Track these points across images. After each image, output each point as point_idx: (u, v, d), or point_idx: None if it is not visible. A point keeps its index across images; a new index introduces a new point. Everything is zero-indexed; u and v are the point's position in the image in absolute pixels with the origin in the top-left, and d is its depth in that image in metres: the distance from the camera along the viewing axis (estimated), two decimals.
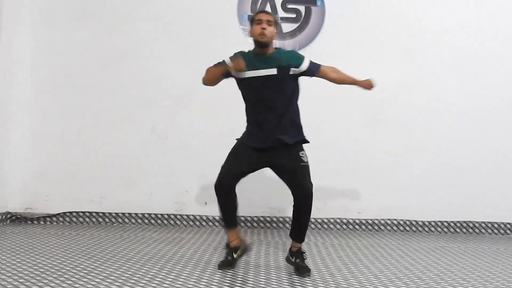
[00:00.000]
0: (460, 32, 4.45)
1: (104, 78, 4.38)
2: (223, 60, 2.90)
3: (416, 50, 4.45)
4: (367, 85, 2.94)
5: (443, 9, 4.47)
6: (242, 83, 2.87)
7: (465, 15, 4.47)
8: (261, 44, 2.82)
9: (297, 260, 2.88)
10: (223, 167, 2.87)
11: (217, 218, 4.39)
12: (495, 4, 4.47)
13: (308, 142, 2.94)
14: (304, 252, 2.94)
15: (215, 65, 2.93)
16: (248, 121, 2.95)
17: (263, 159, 2.86)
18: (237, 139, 2.97)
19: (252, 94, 2.85)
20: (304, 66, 2.87)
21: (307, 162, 2.85)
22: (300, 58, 2.89)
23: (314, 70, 2.90)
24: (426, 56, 4.46)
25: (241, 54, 2.87)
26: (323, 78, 2.94)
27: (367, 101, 4.44)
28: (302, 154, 2.84)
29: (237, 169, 2.84)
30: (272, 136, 2.81)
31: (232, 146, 2.97)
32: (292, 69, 2.83)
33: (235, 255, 2.93)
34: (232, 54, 2.91)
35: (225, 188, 2.82)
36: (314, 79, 4.48)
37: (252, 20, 2.87)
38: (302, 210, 2.80)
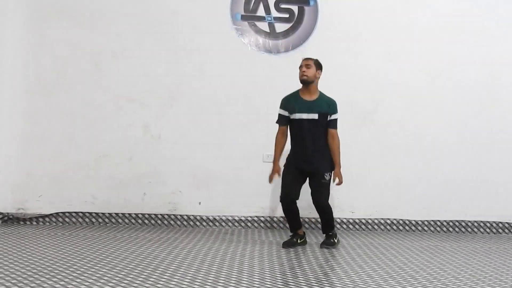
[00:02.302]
0: (452, 34, 4.48)
1: (95, 78, 4.36)
2: (279, 115, 3.71)
3: (408, 52, 4.48)
4: (337, 177, 3.69)
5: (436, 11, 4.49)
6: (292, 121, 3.67)
7: (456, 17, 4.50)
8: (303, 82, 3.62)
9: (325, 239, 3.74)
10: (282, 187, 3.68)
11: (210, 218, 4.39)
12: (484, 10, 4.50)
13: (333, 170, 3.69)
14: (331, 235, 3.71)
15: (279, 122, 3.74)
16: (292, 147, 3.73)
17: (304, 174, 3.68)
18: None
19: (298, 130, 3.64)
20: (333, 117, 3.66)
21: (328, 180, 3.65)
22: (335, 110, 3.67)
23: (332, 125, 3.67)
24: (418, 57, 4.48)
25: (288, 99, 3.68)
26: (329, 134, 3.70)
27: (360, 102, 4.47)
28: (326, 175, 3.64)
29: (291, 187, 3.65)
30: (307, 163, 3.63)
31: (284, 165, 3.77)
32: (328, 115, 3.63)
33: (299, 240, 3.68)
34: (281, 101, 3.70)
35: (286, 204, 3.63)
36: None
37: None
38: (320, 214, 3.71)
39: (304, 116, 3.59)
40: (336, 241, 3.70)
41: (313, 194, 3.66)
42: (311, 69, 3.59)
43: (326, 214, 3.66)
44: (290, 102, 3.65)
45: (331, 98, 3.68)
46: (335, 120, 3.67)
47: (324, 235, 3.75)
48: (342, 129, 4.44)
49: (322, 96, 3.68)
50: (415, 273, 2.98)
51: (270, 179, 3.73)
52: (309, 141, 3.61)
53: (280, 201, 3.65)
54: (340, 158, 3.67)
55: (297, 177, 3.65)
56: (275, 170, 3.69)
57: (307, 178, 3.69)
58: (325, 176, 3.63)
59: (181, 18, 4.39)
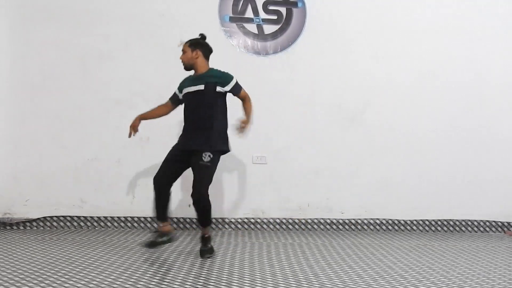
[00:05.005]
0: (440, 34, 4.52)
1: (82, 79, 4.32)
2: (174, 92, 3.56)
3: (397, 52, 4.51)
4: (243, 123, 3.34)
5: (425, 12, 4.53)
6: (183, 101, 3.47)
7: (444, 18, 4.54)
8: (184, 68, 3.46)
9: (200, 245, 3.36)
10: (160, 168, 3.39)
11: None
12: (470, 10, 4.56)
13: (218, 151, 3.32)
14: (207, 237, 3.34)
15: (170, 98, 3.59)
16: (183, 128, 3.47)
17: (185, 159, 3.32)
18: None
19: (185, 105, 3.43)
20: (230, 86, 3.37)
21: (207, 162, 3.22)
22: (228, 78, 3.38)
23: (235, 92, 3.40)
24: (407, 57, 4.51)
25: (185, 79, 3.50)
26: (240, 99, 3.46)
27: (348, 103, 4.50)
28: (205, 155, 3.23)
29: (167, 169, 3.35)
30: (188, 139, 3.35)
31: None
32: (218, 87, 3.34)
33: (159, 239, 3.32)
34: (183, 78, 3.51)
35: (156, 186, 3.34)
36: (302, 83, 4.50)
37: None
38: (195, 206, 3.22)
39: (191, 89, 3.36)
40: (212, 245, 3.39)
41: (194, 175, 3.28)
42: (186, 54, 3.38)
43: (201, 207, 3.19)
44: (184, 82, 3.48)
45: (224, 71, 3.41)
46: (235, 86, 3.36)
47: (200, 239, 3.36)
48: (330, 129, 4.51)
49: (212, 70, 3.42)
50: (405, 272, 3.00)
51: (129, 134, 3.54)
52: (194, 116, 3.34)
53: (154, 182, 3.36)
54: (251, 114, 3.37)
55: (175, 158, 3.32)
56: (133, 123, 3.53)
57: (186, 165, 3.35)
58: (203, 157, 3.18)
59: (169, 19, 4.38)
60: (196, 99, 3.34)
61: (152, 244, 3.31)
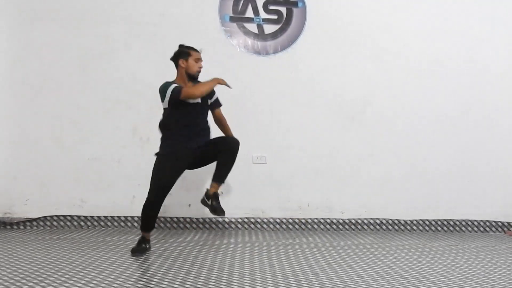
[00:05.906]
0: (439, 35, 4.53)
1: (81, 80, 4.33)
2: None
3: (396, 52, 4.51)
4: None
5: (425, 13, 4.53)
6: (184, 106, 3.35)
7: (443, 18, 4.54)
8: (195, 78, 3.44)
9: (213, 203, 3.37)
10: (158, 180, 3.35)
11: (201, 220, 4.38)
12: (468, 10, 4.56)
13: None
14: (218, 195, 3.41)
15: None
16: (173, 133, 3.39)
17: (190, 157, 3.38)
18: (157, 154, 3.44)
19: (180, 113, 3.37)
20: (213, 98, 3.54)
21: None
22: (213, 93, 3.53)
23: (217, 105, 3.58)
24: (406, 57, 4.51)
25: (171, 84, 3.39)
26: (215, 114, 3.63)
27: (348, 103, 4.50)
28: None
29: (173, 180, 3.38)
30: (195, 141, 3.36)
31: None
32: (208, 100, 3.50)
33: (147, 245, 3.41)
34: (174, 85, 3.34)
35: (162, 197, 3.37)
36: (302, 83, 4.47)
37: (188, 54, 3.42)
38: (228, 154, 3.38)
39: (191, 101, 3.32)
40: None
41: (220, 144, 3.40)
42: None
43: (234, 156, 3.40)
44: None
45: None
46: (217, 99, 3.58)
47: (211, 190, 3.38)
48: (330, 129, 4.51)
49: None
50: (405, 272, 3.00)
51: (223, 83, 3.42)
52: (193, 124, 3.38)
53: (153, 199, 3.30)
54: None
55: (183, 165, 3.37)
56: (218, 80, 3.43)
57: (190, 165, 3.43)
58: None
59: (169, 19, 4.38)
60: (196, 109, 3.39)
61: (140, 251, 3.33)
